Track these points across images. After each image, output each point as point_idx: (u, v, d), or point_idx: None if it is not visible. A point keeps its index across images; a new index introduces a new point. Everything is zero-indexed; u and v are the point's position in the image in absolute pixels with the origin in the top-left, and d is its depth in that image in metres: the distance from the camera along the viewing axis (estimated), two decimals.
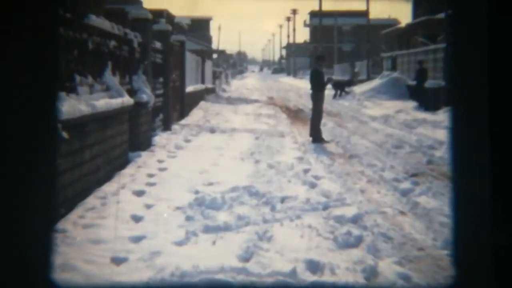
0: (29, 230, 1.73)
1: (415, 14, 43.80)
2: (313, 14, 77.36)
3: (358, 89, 31.68)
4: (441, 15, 28.66)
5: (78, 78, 7.24)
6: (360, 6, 58.74)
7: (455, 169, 1.84)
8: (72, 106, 6.49)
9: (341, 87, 31.14)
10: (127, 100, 9.22)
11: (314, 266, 4.77)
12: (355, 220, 6.15)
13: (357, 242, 5.44)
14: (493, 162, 1.74)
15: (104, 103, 7.84)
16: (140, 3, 33.80)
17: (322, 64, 14.08)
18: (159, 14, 30.12)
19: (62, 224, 5.77)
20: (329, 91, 33.89)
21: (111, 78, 8.71)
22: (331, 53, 62.04)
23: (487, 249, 1.76)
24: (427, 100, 21.89)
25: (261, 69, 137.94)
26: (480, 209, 1.77)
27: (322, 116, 13.42)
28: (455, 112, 1.85)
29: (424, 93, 22.28)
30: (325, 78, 13.70)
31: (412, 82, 24.71)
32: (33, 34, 1.71)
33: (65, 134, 5.93)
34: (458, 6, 1.85)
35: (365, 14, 43.72)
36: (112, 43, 9.12)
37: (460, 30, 1.86)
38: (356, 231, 5.71)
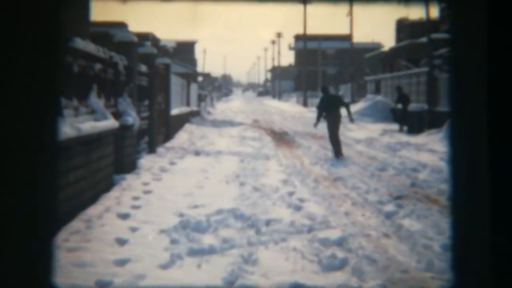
0: (29, 235, 1.71)
1: (398, 38, 44.30)
2: (298, 38, 78.00)
3: (342, 112, 31.85)
4: (423, 39, 28.99)
5: (63, 100, 7.25)
6: (344, 30, 59.35)
7: (453, 170, 1.85)
8: None
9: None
10: (112, 123, 9.23)
11: None
12: (340, 242, 6.18)
13: (342, 264, 5.46)
14: (492, 162, 1.74)
15: (89, 126, 7.84)
16: (126, 26, 33.93)
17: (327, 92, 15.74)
18: (145, 37, 30.28)
19: None
20: (313, 113, 34.03)
21: (96, 101, 8.72)
22: (316, 76, 62.48)
23: (487, 250, 1.76)
24: (410, 123, 22.11)
25: (243, 91, 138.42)
26: (479, 210, 1.78)
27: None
28: (454, 113, 1.86)
29: (407, 116, 22.51)
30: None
31: (396, 106, 24.93)
32: (33, 45, 1.72)
33: None
34: (457, 4, 1.86)
35: (349, 38, 44.15)
36: (98, 66, 9.15)
37: (459, 30, 1.87)
38: (340, 254, 5.73)
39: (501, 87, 1.75)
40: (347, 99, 39.13)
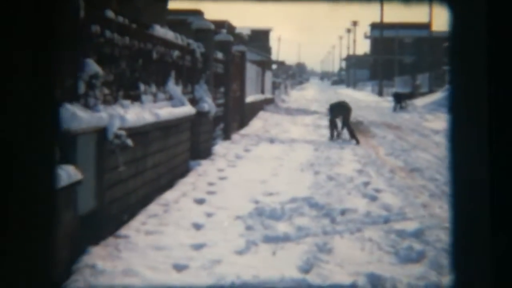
0: (29, 234, 1.71)
1: None
2: (374, 26, 76.76)
3: (419, 102, 31.26)
4: None
5: (142, 87, 7.38)
6: (423, 19, 57.99)
7: (454, 172, 1.82)
8: (136, 114, 6.60)
9: (401, 100, 30.81)
10: (189, 109, 9.34)
11: (375, 280, 4.71)
12: (417, 234, 6.05)
13: (419, 257, 5.34)
14: (493, 161, 1.71)
15: (167, 112, 7.95)
16: (202, 14, 34.28)
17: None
18: (221, 24, 30.50)
19: (125, 230, 5.87)
20: (389, 103, 33.52)
21: (174, 88, 8.83)
22: (392, 65, 61.41)
23: (487, 250, 1.72)
24: None
25: (321, 79, 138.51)
26: (479, 209, 1.74)
27: None
28: (454, 112, 1.83)
29: None
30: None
31: None
32: (34, 38, 1.72)
33: (130, 142, 6.04)
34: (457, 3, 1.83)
35: (427, 26, 43.10)
36: (176, 53, 9.25)
37: (459, 29, 1.83)
38: (418, 246, 5.61)
39: (501, 86, 1.71)
40: (424, 89, 38.44)
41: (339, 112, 15.73)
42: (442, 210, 7.32)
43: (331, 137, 15.63)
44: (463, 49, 1.79)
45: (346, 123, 15.54)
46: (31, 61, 1.69)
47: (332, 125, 15.76)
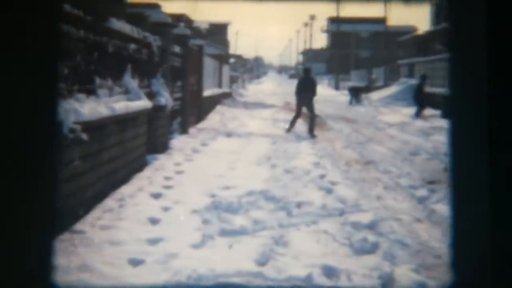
0: (29, 233, 1.70)
1: (436, 21, 43.63)
2: (331, 20, 77.27)
3: (375, 95, 31.64)
4: None
5: (98, 80, 7.31)
6: (379, 13, 58.66)
7: (453, 170, 1.83)
8: (92, 108, 6.55)
9: (357, 93, 31.16)
10: (145, 103, 9.29)
11: (330, 272, 4.78)
12: (372, 226, 6.15)
13: (374, 248, 5.44)
14: (492, 162, 1.73)
15: (123, 105, 7.90)
16: (159, 7, 33.98)
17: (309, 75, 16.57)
18: (178, 18, 30.31)
19: (80, 225, 5.83)
20: (345, 97, 33.84)
21: (131, 81, 8.78)
22: (348, 59, 61.96)
23: (486, 250, 1.75)
24: (445, 108, 21.85)
25: (279, 72, 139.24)
26: (479, 210, 1.76)
27: None
28: (454, 111, 1.85)
29: (442, 100, 22.24)
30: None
31: (431, 89, 24.57)
32: (33, 35, 1.69)
33: (85, 136, 5.99)
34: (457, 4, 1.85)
35: (383, 21, 43.62)
36: (132, 46, 9.19)
37: (459, 28, 1.85)
38: (372, 238, 5.71)
39: (501, 86, 1.74)
40: (380, 83, 38.89)
41: (306, 94, 15.72)
42: (395, 202, 7.45)
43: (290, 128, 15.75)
44: (463, 48, 1.80)
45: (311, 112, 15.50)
46: (33, 60, 1.68)
47: (298, 112, 15.84)
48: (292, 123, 15.94)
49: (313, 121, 15.38)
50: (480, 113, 1.75)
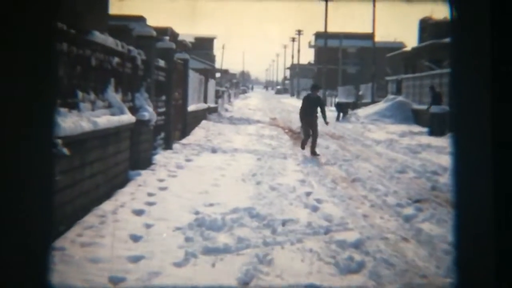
0: (26, 238, 1.70)
1: (422, 38, 43.93)
2: (318, 35, 77.59)
3: (362, 112, 31.70)
4: (447, 40, 28.70)
5: (80, 94, 7.20)
6: (366, 29, 59.00)
7: (457, 172, 1.83)
8: (73, 122, 6.43)
9: (344, 109, 31.22)
10: (128, 117, 9.17)
11: None
12: (357, 245, 6.06)
13: (359, 267, 5.35)
14: (496, 163, 1.72)
15: (105, 120, 7.78)
16: (144, 21, 33.96)
17: (316, 92, 15.71)
18: (163, 31, 30.29)
19: (60, 242, 5.69)
20: (332, 113, 33.94)
21: (113, 95, 8.66)
22: (336, 75, 62.17)
23: (490, 251, 1.74)
24: (431, 125, 21.90)
25: (266, 88, 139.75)
26: (482, 212, 1.76)
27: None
28: (457, 112, 1.84)
29: (429, 117, 22.30)
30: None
31: (418, 106, 24.62)
32: (31, 47, 1.69)
33: (66, 151, 5.86)
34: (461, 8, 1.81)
35: (371, 36, 43.77)
36: (116, 60, 9.08)
37: (461, 31, 1.83)
38: (358, 257, 5.62)
39: (504, 87, 1.73)
40: (367, 99, 38.98)
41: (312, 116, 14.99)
42: (382, 221, 7.37)
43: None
44: (466, 50, 1.79)
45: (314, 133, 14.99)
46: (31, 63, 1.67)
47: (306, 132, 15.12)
48: (303, 144, 15.27)
49: (315, 141, 14.93)
50: (483, 113, 1.74)
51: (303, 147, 15.22)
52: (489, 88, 1.72)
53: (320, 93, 16.37)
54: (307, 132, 15.07)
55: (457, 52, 1.82)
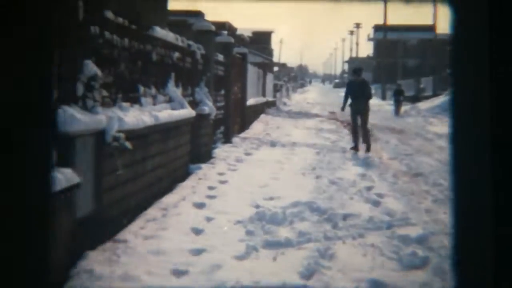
0: (26, 238, 1.72)
1: None
2: (377, 28, 76.53)
3: (423, 105, 31.20)
4: None
5: (141, 89, 7.29)
6: (427, 21, 57.85)
7: (456, 172, 1.82)
8: (135, 116, 6.52)
9: (400, 97, 31.02)
10: (189, 112, 9.25)
11: (378, 287, 4.61)
12: (421, 240, 5.94)
13: (423, 263, 5.24)
14: (495, 160, 1.71)
15: (166, 114, 7.86)
16: (202, 15, 34.20)
17: (358, 76, 14.60)
18: (222, 26, 30.43)
19: (123, 235, 5.78)
20: (390, 106, 33.40)
21: (174, 90, 8.74)
22: (395, 68, 61.28)
23: (489, 249, 1.73)
24: None
25: (323, 82, 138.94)
26: (481, 207, 1.75)
27: None
28: (456, 111, 1.84)
29: None
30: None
31: None
32: (31, 47, 1.70)
33: (128, 144, 5.95)
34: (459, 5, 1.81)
35: (432, 28, 42.95)
36: (176, 54, 9.17)
37: (461, 30, 1.82)
38: (421, 252, 5.50)
39: (504, 87, 1.72)
40: (428, 92, 38.30)
41: (359, 102, 13.73)
42: (446, 216, 7.20)
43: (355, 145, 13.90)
44: (465, 50, 1.79)
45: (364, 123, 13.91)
46: (30, 62, 1.69)
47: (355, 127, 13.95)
48: (355, 139, 14.10)
49: (367, 135, 13.94)
50: (482, 112, 1.74)
51: (354, 141, 14.06)
52: (488, 88, 1.71)
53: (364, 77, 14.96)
54: (355, 123, 14.14)
55: (457, 52, 1.82)
